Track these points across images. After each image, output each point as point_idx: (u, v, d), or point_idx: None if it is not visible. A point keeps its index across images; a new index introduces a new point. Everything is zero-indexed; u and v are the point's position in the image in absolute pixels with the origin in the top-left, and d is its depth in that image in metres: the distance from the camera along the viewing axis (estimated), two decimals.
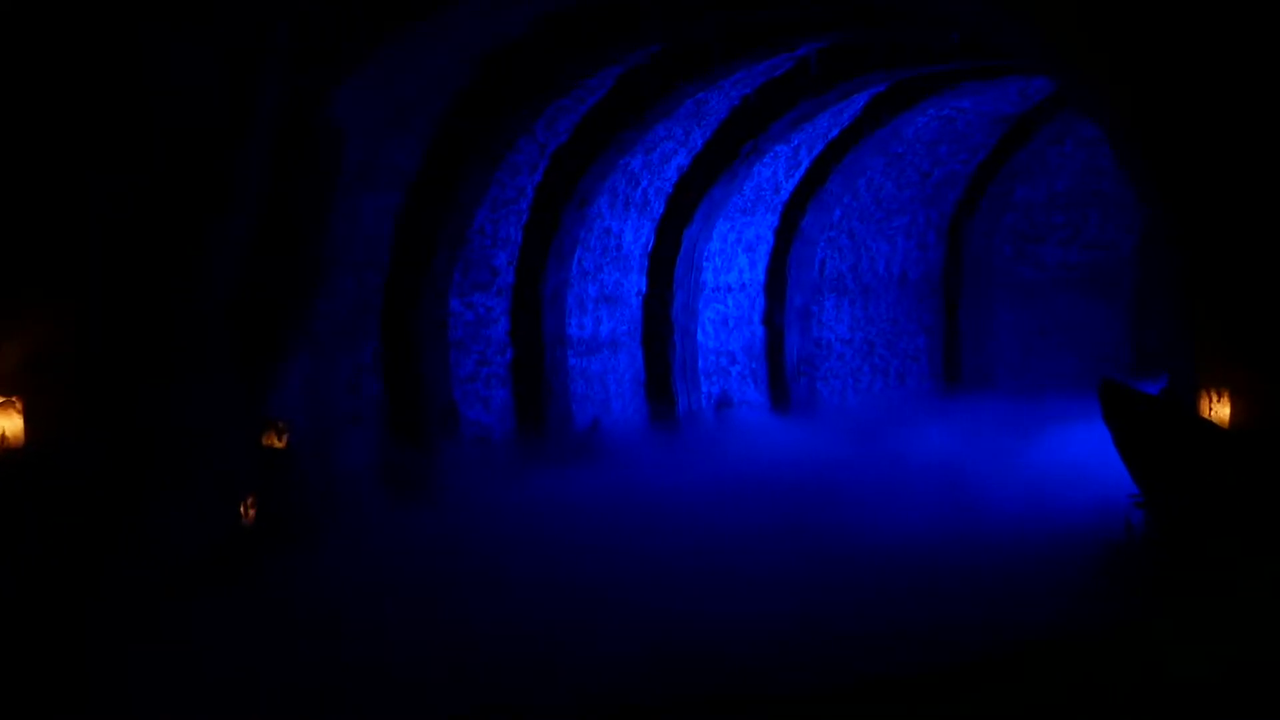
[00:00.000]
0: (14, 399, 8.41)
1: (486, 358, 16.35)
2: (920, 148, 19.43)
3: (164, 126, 10.49)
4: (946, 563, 10.41)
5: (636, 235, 18.02)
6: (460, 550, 12.21)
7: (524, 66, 14.41)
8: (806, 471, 15.93)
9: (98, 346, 9.21)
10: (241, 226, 10.32)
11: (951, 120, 18.90)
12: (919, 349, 20.76)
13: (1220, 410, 9.38)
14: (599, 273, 17.70)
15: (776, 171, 18.76)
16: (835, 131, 18.45)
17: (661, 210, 18.03)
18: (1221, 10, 9.25)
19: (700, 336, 18.83)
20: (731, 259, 19.19)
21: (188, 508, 9.52)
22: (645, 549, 12.07)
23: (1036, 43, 11.35)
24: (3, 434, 8.50)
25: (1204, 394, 9.49)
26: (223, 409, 9.93)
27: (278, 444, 10.72)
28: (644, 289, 18.21)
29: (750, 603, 10.07)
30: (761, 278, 19.51)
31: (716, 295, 19.10)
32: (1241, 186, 9.19)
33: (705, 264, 18.79)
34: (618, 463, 16.48)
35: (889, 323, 20.57)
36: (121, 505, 9.20)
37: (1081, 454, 14.12)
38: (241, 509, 9.96)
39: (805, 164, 18.84)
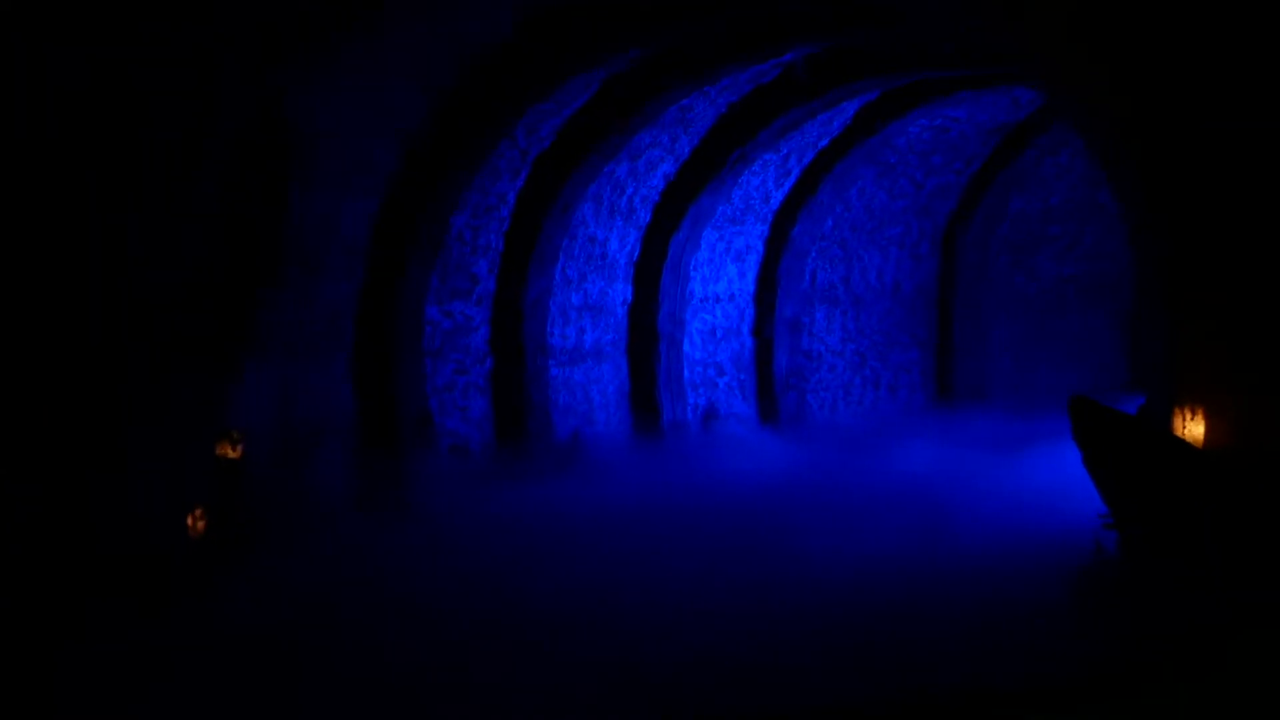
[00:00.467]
0: None
1: (465, 367, 16.10)
2: (913, 157, 19.14)
3: (137, 125, 10.27)
4: (920, 587, 10.10)
5: (622, 243, 17.77)
6: (424, 566, 11.94)
7: (504, 70, 14.19)
8: (791, 489, 15.61)
9: (30, 343, 8.96)
10: (195, 227, 10.08)
11: (945, 129, 18.60)
12: (912, 361, 20.45)
13: (1194, 429, 9.07)
14: (583, 281, 17.44)
15: (766, 180, 18.49)
16: (825, 140, 18.18)
17: (648, 218, 17.78)
18: (1215, 23, 8.95)
19: (687, 347, 18.56)
20: (720, 269, 18.93)
21: (126, 517, 9.27)
22: (617, 568, 11.75)
23: (1024, 52, 11.08)
24: None
25: (1178, 412, 9.19)
26: (171, 416, 9.68)
27: (232, 454, 10.46)
28: (629, 298, 17.96)
29: (716, 628, 9.75)
30: (751, 288, 19.23)
31: (704, 305, 18.83)
32: (1223, 206, 8.90)
33: (693, 274, 18.53)
34: (599, 476, 16.20)
35: (881, 335, 20.27)
36: (52, 511, 8.96)
37: (1070, 472, 13.78)
38: (190, 520, 9.71)
39: (795, 173, 18.58)
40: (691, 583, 10.89)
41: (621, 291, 17.91)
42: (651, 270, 17.89)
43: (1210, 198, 8.83)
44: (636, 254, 17.93)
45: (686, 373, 18.51)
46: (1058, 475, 14.56)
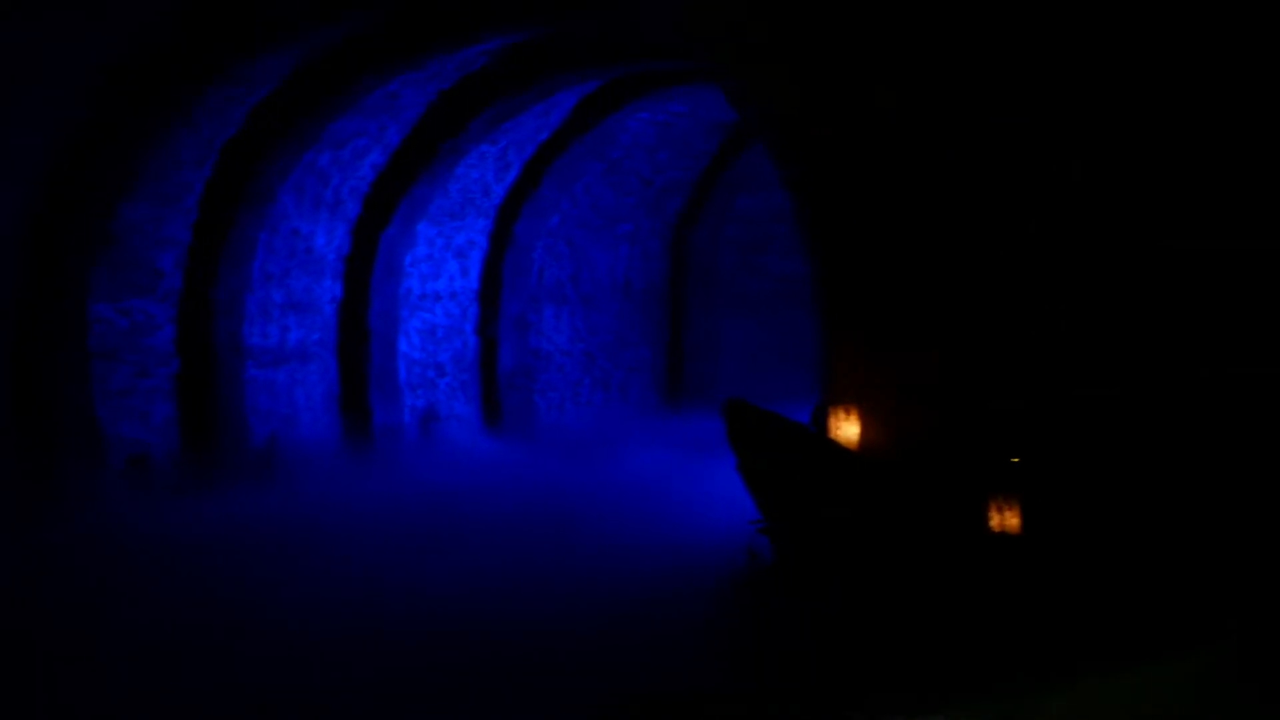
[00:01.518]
0: None
1: (147, 369, 14.85)
2: (639, 154, 18.80)
3: None
4: (577, 600, 9.59)
5: (330, 238, 16.79)
6: (65, 592, 10.77)
7: (176, 48, 13.07)
8: (505, 498, 14.98)
9: None
10: None
11: (668, 125, 18.32)
12: (643, 361, 20.13)
13: (849, 429, 8.84)
14: (286, 277, 16.39)
15: (485, 174, 17.81)
16: (545, 133, 17.63)
17: (357, 211, 16.85)
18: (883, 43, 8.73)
19: (405, 347, 17.71)
20: (441, 265, 18.14)
21: None
22: (278, 594, 10.82)
23: (696, 50, 10.77)
24: None
25: (834, 412, 8.95)
26: None
27: None
28: (339, 295, 16.99)
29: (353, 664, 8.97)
30: (474, 285, 18.52)
31: (424, 303, 18.02)
32: (860, 224, 8.74)
33: (410, 270, 17.69)
34: (299, 486, 15.22)
35: (612, 334, 19.87)
36: None
37: None
38: None
39: (516, 167, 17.96)
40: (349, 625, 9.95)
41: (330, 288, 16.92)
42: (362, 266, 16.97)
43: (851, 214, 8.66)
44: (346, 249, 16.98)
45: (404, 373, 17.67)
46: None
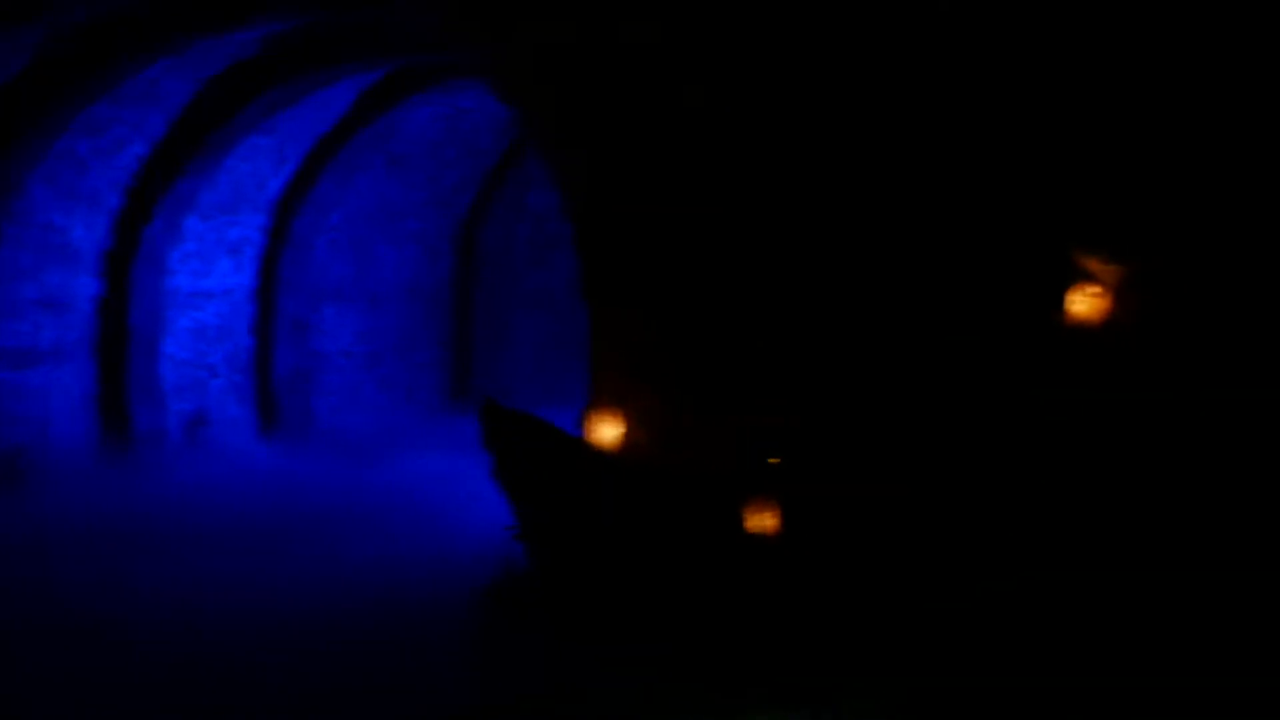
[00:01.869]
0: None
1: None
2: (426, 149, 18.31)
3: None
4: (339, 619, 9.11)
5: (89, 232, 15.76)
6: None
7: None
8: (271, 501, 14.31)
9: None
10: None
11: (454, 120, 17.89)
12: (431, 362, 19.63)
13: (610, 432, 8.65)
14: (39, 272, 15.32)
15: (260, 167, 17.03)
16: (325, 126, 16.96)
17: (119, 204, 15.87)
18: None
19: (173, 347, 16.77)
20: (212, 262, 17.26)
21: None
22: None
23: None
24: None
25: (597, 414, 8.76)
26: None
27: None
28: (99, 293, 15.98)
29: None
30: (249, 283, 17.68)
31: (194, 302, 17.10)
32: (624, 224, 8.61)
33: (178, 266, 16.75)
34: (46, 493, 14.23)
35: (398, 334, 19.31)
36: None
37: None
38: None
39: (294, 161, 17.24)
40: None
41: (89, 285, 15.90)
42: (124, 262, 15.98)
43: (613, 219, 8.51)
44: (108, 244, 15.97)
45: (172, 376, 16.73)
46: None
